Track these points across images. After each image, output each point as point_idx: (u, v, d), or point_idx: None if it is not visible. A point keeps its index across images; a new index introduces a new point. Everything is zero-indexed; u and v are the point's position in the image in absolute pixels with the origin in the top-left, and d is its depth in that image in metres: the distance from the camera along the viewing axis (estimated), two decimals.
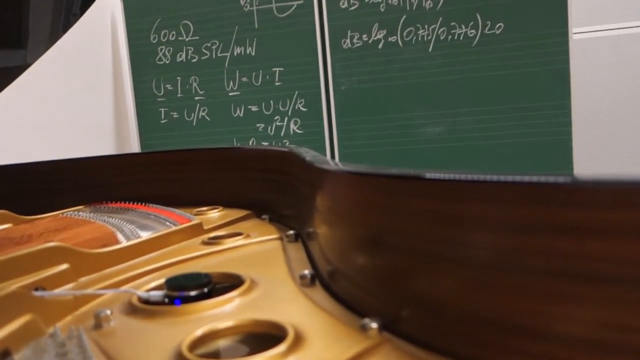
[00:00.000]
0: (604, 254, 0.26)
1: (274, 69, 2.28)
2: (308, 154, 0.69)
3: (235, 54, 2.32)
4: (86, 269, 0.60)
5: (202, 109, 2.41)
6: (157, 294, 0.50)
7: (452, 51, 2.07)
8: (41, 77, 2.06)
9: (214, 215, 0.91)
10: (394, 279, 0.41)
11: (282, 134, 2.31)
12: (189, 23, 2.36)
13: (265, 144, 2.34)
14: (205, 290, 0.50)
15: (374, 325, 0.38)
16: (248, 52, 2.31)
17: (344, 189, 0.51)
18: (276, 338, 0.38)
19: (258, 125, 2.34)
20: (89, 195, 1.09)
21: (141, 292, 0.50)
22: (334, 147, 2.25)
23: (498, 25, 2.01)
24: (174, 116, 2.46)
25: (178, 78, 2.42)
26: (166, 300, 0.49)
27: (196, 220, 0.78)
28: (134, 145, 2.52)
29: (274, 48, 2.27)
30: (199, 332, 0.39)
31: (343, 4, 2.14)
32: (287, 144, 2.31)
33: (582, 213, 0.27)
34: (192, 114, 2.43)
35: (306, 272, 0.53)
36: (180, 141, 2.45)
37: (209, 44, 2.35)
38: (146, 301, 0.50)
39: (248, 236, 0.73)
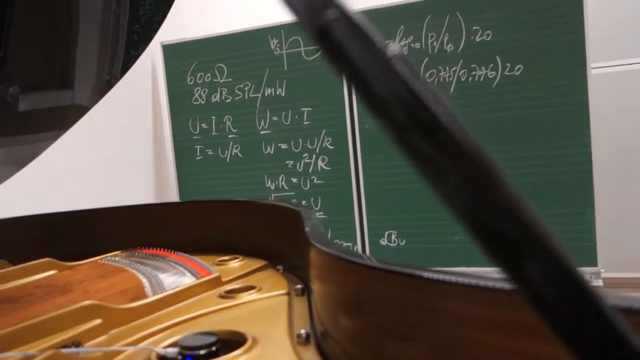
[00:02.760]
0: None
1: (302, 109, 2.39)
2: (308, 222, 0.77)
3: (266, 94, 2.45)
4: (116, 322, 0.70)
5: (235, 146, 2.53)
6: (173, 352, 0.59)
7: (473, 92, 2.14)
8: (87, 116, 2.22)
9: (234, 265, 1.01)
10: (370, 346, 0.49)
11: (310, 171, 2.41)
12: (223, 66, 2.50)
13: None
14: (214, 349, 0.59)
15: None
16: (278, 92, 2.43)
17: (328, 265, 0.59)
18: None
19: (287, 162, 2.45)
20: (125, 240, 1.20)
21: (159, 349, 0.59)
22: (359, 183, 2.33)
23: (517, 66, 2.07)
24: (209, 153, 2.59)
25: (213, 117, 2.56)
26: (179, 357, 0.58)
27: (215, 273, 0.88)
28: (172, 180, 2.66)
29: (303, 89, 2.39)
30: None
31: None
32: (314, 180, 2.41)
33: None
34: (226, 151, 2.55)
35: (302, 331, 0.61)
36: (215, 177, 2.58)
37: (242, 85, 2.48)
38: (163, 358, 0.59)
39: (260, 290, 0.82)
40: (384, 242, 2.33)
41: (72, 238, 1.27)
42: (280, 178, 2.47)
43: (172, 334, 0.66)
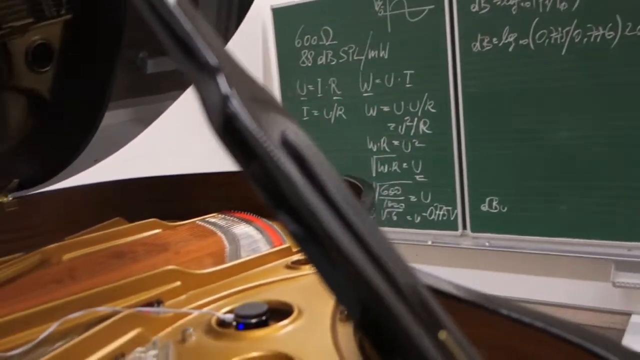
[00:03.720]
0: None
1: (405, 72, 2.39)
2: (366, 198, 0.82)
3: (370, 57, 2.47)
4: (193, 285, 0.81)
5: (339, 108, 2.60)
6: (229, 317, 0.68)
7: (588, 55, 2.00)
8: None
9: None
10: None
11: (411, 134, 2.42)
12: (329, 29, 2.54)
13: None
14: (263, 318, 0.68)
15: None
16: (381, 55, 2.43)
17: None
18: None
19: (389, 124, 2.47)
20: (222, 203, 1.32)
21: (219, 314, 0.69)
22: (461, 147, 2.30)
23: None
24: (315, 114, 2.68)
25: (318, 79, 2.63)
26: (234, 323, 0.67)
27: (286, 244, 0.96)
28: None
29: (406, 51, 2.37)
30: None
31: (474, 7, 2.17)
32: (415, 143, 2.42)
33: None
34: (331, 113, 2.63)
35: None
36: (320, 137, 2.67)
37: (346, 48, 2.52)
38: (222, 322, 0.68)
39: None
40: (484, 208, 2.30)
41: (180, 199, 1.41)
42: (382, 140, 2.50)
43: (236, 300, 0.76)
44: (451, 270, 2.53)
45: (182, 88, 1.55)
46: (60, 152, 1.33)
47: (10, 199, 1.24)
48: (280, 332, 0.65)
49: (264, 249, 0.99)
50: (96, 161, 1.42)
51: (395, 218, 2.53)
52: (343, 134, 2.60)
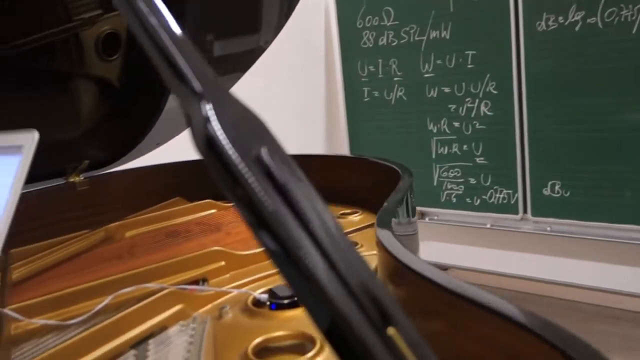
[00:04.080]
0: None
1: (467, 52, 2.35)
2: (396, 194, 0.85)
3: (431, 37, 2.44)
4: (236, 265, 0.87)
5: (399, 89, 2.59)
6: (264, 297, 0.73)
7: None
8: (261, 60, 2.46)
9: (354, 219, 1.13)
10: None
11: (472, 115, 2.39)
12: (390, 9, 2.53)
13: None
14: (295, 299, 0.73)
15: None
16: (443, 35, 2.40)
17: None
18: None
19: (450, 106, 2.45)
20: None
21: (255, 294, 0.75)
22: (523, 129, 2.25)
23: None
24: (375, 95, 2.69)
25: (379, 60, 2.63)
26: (268, 303, 0.73)
27: None
28: (342, 120, 2.82)
29: (468, 31, 2.33)
30: (258, 339, 0.62)
31: None
32: (476, 125, 2.38)
33: None
34: (391, 94, 2.63)
35: None
36: (380, 118, 2.68)
37: (408, 28, 2.50)
38: (258, 301, 0.74)
39: (361, 246, 0.93)
40: (546, 192, 2.25)
41: None
42: (442, 121, 2.48)
43: (275, 281, 0.81)
44: (509, 254, 2.49)
45: (243, 70, 1.61)
46: (126, 136, 1.42)
47: (82, 178, 1.34)
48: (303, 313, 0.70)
49: None
50: (158, 144, 1.51)
51: (454, 200, 2.51)
52: (403, 115, 2.60)
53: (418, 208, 2.62)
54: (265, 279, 0.83)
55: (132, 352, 0.61)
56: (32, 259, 0.94)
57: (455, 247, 2.70)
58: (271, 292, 0.74)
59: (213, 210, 1.28)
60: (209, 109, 0.28)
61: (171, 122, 1.45)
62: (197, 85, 0.29)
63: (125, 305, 0.72)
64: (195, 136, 0.28)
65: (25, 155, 0.42)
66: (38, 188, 1.24)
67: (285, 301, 0.72)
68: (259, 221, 0.27)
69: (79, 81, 1.39)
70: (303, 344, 0.63)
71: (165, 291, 0.71)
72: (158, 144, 1.52)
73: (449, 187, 2.52)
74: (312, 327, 0.64)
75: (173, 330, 0.67)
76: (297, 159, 1.11)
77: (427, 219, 2.64)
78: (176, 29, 0.32)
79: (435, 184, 2.56)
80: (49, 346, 0.62)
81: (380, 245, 0.60)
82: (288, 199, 0.28)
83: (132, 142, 1.43)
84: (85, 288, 0.76)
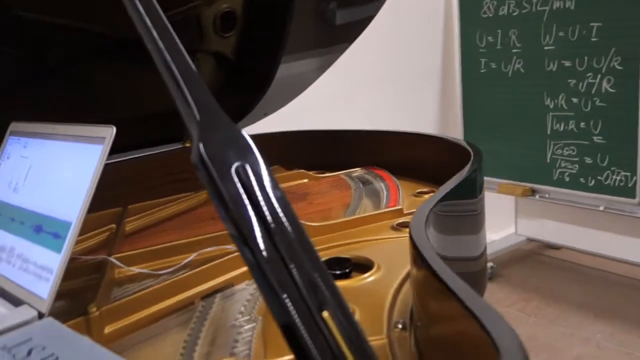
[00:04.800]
0: None
1: (591, 24, 2.21)
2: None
3: (554, 7, 2.33)
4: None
5: (517, 61, 2.51)
6: None
7: None
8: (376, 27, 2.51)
9: (427, 198, 1.18)
10: None
11: (592, 92, 2.26)
12: None
13: None
14: (347, 270, 0.82)
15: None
16: (567, 5, 2.28)
17: None
18: None
19: (569, 80, 2.33)
20: (366, 159, 1.46)
21: None
22: None
23: None
24: (492, 67, 2.63)
25: (499, 31, 2.56)
26: None
27: (399, 206, 1.08)
28: (457, 90, 2.80)
29: (595, 2, 2.19)
30: None
31: None
32: (596, 102, 2.26)
33: None
34: (509, 66, 2.55)
35: None
36: (496, 90, 2.63)
37: None
38: None
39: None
40: None
41: (333, 152, 1.58)
42: (560, 97, 2.38)
43: (339, 252, 0.91)
44: (623, 239, 2.37)
45: (349, 41, 1.68)
46: (237, 106, 1.57)
47: None
48: (355, 285, 0.79)
49: (381, 207, 1.12)
50: (265, 114, 1.65)
51: (567, 179, 2.42)
52: (520, 88, 2.53)
53: (528, 184, 2.56)
54: (330, 249, 0.93)
55: (202, 302, 0.75)
56: (143, 215, 1.12)
57: (565, 227, 2.61)
58: (326, 262, 0.84)
59: (305, 180, 1.40)
60: (202, 135, 0.38)
61: (279, 94, 1.57)
62: (197, 114, 0.39)
63: (206, 262, 0.86)
64: (192, 154, 0.39)
65: (106, 144, 0.55)
66: (158, 152, 1.43)
67: (337, 272, 0.82)
68: (229, 221, 0.37)
69: (197, 56, 1.55)
70: None
71: (237, 253, 0.84)
72: (265, 114, 1.66)
73: (562, 165, 2.43)
74: (352, 298, 0.74)
75: (238, 287, 0.80)
76: (376, 134, 1.21)
77: (537, 196, 2.57)
78: (188, 65, 0.42)
79: (548, 161, 2.48)
80: (140, 290, 0.77)
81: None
82: (254, 205, 0.37)
83: (242, 112, 1.58)
84: (176, 244, 0.91)
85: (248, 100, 1.55)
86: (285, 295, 0.35)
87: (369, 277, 0.81)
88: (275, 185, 0.40)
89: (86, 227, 1.00)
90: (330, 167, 1.49)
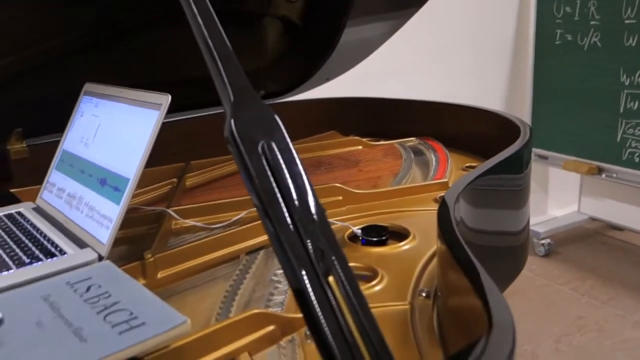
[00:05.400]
0: None
1: None
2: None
3: None
4: (351, 201, 1.03)
5: (595, 34, 2.41)
6: (359, 232, 0.88)
7: None
8: None
9: None
10: None
11: None
12: None
13: None
14: (383, 238, 0.87)
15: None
16: None
17: None
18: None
19: None
20: (424, 128, 1.48)
21: (354, 228, 0.90)
22: None
23: None
24: (568, 39, 2.53)
25: (577, 2, 2.45)
26: (360, 238, 0.87)
27: (444, 179, 1.10)
28: (529, 61, 2.72)
29: None
30: None
31: None
32: None
33: None
34: (585, 39, 2.45)
35: None
36: (570, 63, 2.53)
37: None
38: (354, 235, 0.89)
39: None
40: None
41: (389, 120, 1.61)
42: (637, 74, 2.27)
43: (379, 220, 0.95)
44: None
45: (418, 5, 1.67)
46: (300, 70, 1.61)
47: None
48: (389, 252, 0.83)
49: (428, 179, 1.14)
50: (327, 79, 1.68)
51: (637, 160, 2.33)
52: (595, 62, 2.43)
53: (595, 162, 2.48)
54: (372, 217, 0.97)
55: (246, 257, 0.82)
56: (203, 171, 1.20)
57: (630, 209, 2.53)
58: (365, 229, 0.89)
59: (359, 147, 1.44)
60: (234, 113, 0.43)
61: (342, 59, 1.60)
62: (230, 93, 0.45)
63: (254, 220, 0.93)
64: (225, 129, 0.44)
65: (162, 110, 0.61)
66: (219, 112, 1.50)
67: (374, 239, 0.87)
68: (253, 193, 0.42)
69: (265, 20, 1.60)
70: (368, 276, 0.77)
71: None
72: (327, 79, 1.69)
73: (632, 145, 2.33)
74: (381, 263, 0.78)
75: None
76: (432, 105, 1.24)
77: (603, 175, 2.49)
78: (225, 44, 0.47)
79: (618, 140, 2.38)
80: (193, 241, 0.85)
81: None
82: (277, 181, 0.42)
83: (304, 75, 1.62)
84: (230, 202, 0.98)
85: (311, 65, 1.59)
86: (297, 264, 0.40)
87: (404, 246, 0.85)
88: (296, 162, 0.44)
89: (149, 180, 1.09)
90: (386, 135, 1.52)
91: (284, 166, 0.43)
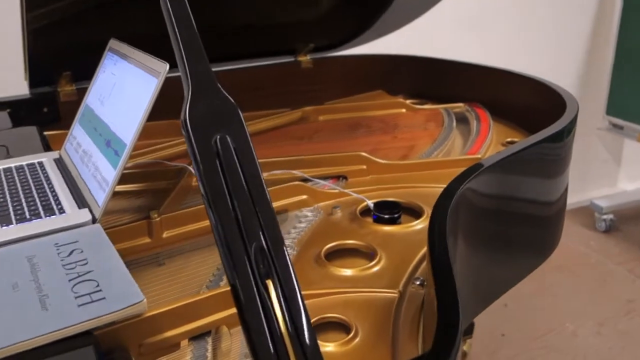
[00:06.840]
0: None
1: None
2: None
3: None
4: (375, 171, 1.00)
5: None
6: (371, 206, 0.87)
7: None
8: None
9: None
10: None
11: None
12: None
13: None
14: (395, 215, 0.85)
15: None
16: None
17: None
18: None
19: None
20: (475, 94, 1.41)
21: (368, 201, 0.88)
22: None
23: None
24: None
25: None
26: (372, 213, 0.86)
27: (477, 155, 1.05)
28: (615, 17, 2.50)
29: None
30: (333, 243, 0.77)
31: None
32: None
33: None
34: None
35: None
36: None
37: None
38: (366, 209, 0.88)
39: None
40: None
41: (439, 82, 1.53)
42: None
43: (397, 195, 0.92)
44: None
45: None
46: (353, 24, 1.56)
47: (308, 58, 1.55)
48: (397, 231, 0.82)
49: (463, 151, 1.10)
50: (380, 35, 1.62)
51: None
52: None
53: None
54: (392, 190, 0.95)
55: None
56: None
57: None
58: (378, 204, 0.87)
59: (402, 110, 1.39)
60: (190, 101, 0.43)
61: (395, 16, 1.53)
62: (190, 82, 0.44)
63: (271, 184, 0.93)
64: (181, 114, 0.43)
65: (160, 79, 0.61)
66: (269, 63, 1.48)
67: (386, 216, 0.85)
68: (199, 181, 0.42)
69: None
70: (368, 255, 0.76)
71: (296, 182, 0.90)
72: (380, 35, 1.63)
73: None
74: (383, 241, 0.77)
75: (291, 214, 0.86)
76: (484, 70, 1.17)
77: None
78: (194, 34, 0.46)
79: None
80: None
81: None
82: (227, 175, 0.42)
83: (357, 31, 1.57)
84: None
85: (363, 20, 1.53)
86: (234, 260, 0.40)
87: (416, 226, 0.83)
88: (251, 157, 0.44)
89: (175, 134, 1.11)
90: (434, 98, 1.46)
91: (237, 160, 0.43)
